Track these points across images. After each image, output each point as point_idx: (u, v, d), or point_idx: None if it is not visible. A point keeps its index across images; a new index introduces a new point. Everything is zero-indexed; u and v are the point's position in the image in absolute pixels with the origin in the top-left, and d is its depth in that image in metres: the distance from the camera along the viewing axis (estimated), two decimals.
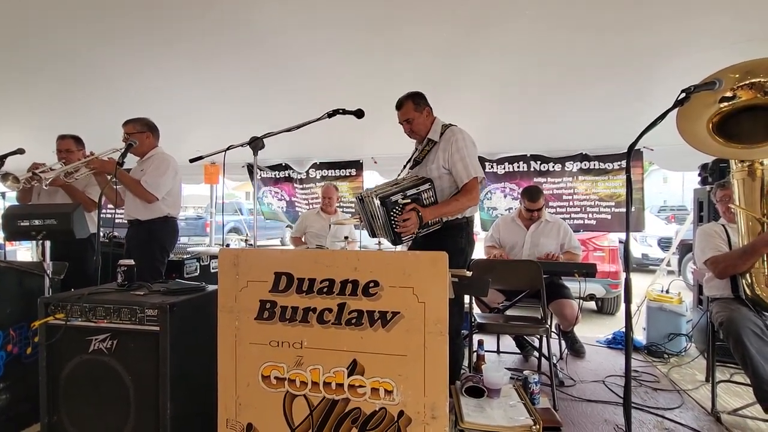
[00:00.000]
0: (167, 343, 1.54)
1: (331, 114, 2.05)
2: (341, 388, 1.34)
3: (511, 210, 4.21)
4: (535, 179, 4.28)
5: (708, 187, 3.17)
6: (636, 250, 7.84)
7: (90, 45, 3.03)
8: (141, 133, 2.73)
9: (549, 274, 2.86)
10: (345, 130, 3.50)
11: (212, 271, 3.66)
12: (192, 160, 2.28)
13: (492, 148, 4.30)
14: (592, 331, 3.95)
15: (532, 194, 3.23)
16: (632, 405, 1.62)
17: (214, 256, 3.64)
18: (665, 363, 3.13)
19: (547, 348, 2.51)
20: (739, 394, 2.52)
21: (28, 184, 2.61)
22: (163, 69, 3.34)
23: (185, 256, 3.46)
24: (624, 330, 1.70)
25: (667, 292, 3.51)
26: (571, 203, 4.28)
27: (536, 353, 3.04)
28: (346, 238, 3.61)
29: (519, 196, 3.54)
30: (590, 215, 4.24)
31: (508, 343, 3.40)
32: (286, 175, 5.02)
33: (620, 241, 4.79)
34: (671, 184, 17.80)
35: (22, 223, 2.06)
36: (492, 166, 4.40)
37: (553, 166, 4.27)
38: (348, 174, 4.80)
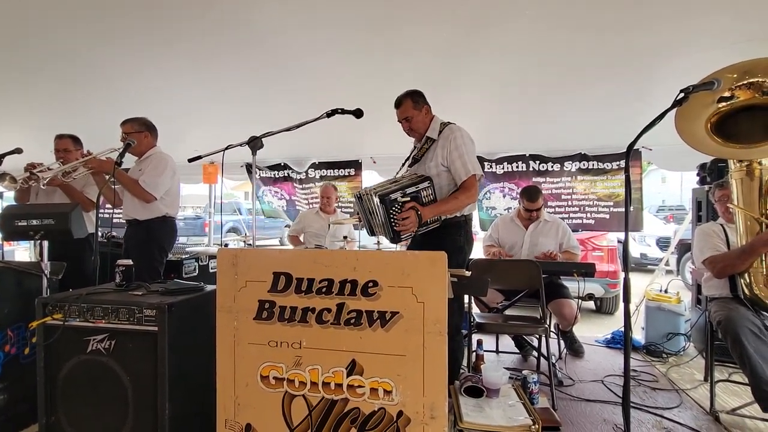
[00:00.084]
0: (165, 344, 1.54)
1: (330, 114, 2.05)
2: (340, 388, 1.33)
3: (510, 210, 4.21)
4: (534, 179, 4.29)
5: (706, 187, 3.17)
6: (635, 250, 7.85)
7: (89, 45, 3.02)
8: (139, 133, 2.73)
9: (548, 274, 2.86)
10: (344, 130, 3.51)
11: (211, 271, 3.65)
12: (191, 160, 2.27)
13: (491, 147, 4.30)
14: (590, 331, 3.95)
15: (530, 194, 3.24)
16: (631, 404, 1.62)
17: (212, 256, 3.63)
18: (664, 362, 3.13)
19: (546, 348, 2.52)
20: (738, 394, 2.53)
21: (26, 184, 2.60)
22: (162, 69, 3.33)
23: (184, 256, 3.46)
24: (623, 329, 1.70)
25: (666, 291, 3.51)
26: (569, 203, 4.29)
27: (535, 353, 3.05)
28: (345, 237, 3.61)
29: (518, 195, 3.54)
30: (589, 215, 4.25)
31: (507, 342, 3.40)
32: (286, 174, 5.02)
33: (619, 241, 4.80)
34: (670, 183, 17.84)
35: (19, 223, 2.05)
36: (491, 166, 4.41)
37: (552, 166, 4.27)
38: (347, 174, 4.80)
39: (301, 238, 4.07)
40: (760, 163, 2.06)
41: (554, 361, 2.78)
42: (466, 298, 2.45)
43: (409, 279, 1.29)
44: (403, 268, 1.30)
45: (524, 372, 2.14)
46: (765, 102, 1.91)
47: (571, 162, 4.21)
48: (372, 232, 2.28)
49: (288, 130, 2.09)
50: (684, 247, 5.83)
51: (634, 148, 1.54)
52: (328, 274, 1.35)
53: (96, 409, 1.61)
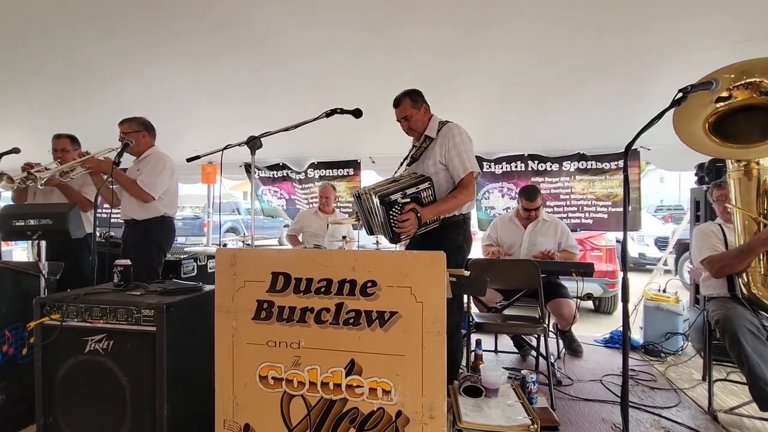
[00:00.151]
0: (164, 344, 1.54)
1: (329, 113, 2.05)
2: (339, 388, 1.33)
3: (508, 210, 4.21)
4: (532, 179, 4.30)
5: (705, 187, 3.18)
6: (633, 250, 7.87)
7: (88, 44, 3.02)
8: (137, 133, 2.72)
9: (547, 274, 2.87)
10: (343, 130, 3.50)
11: (209, 271, 3.65)
12: (189, 160, 2.27)
13: (490, 147, 4.30)
14: (589, 331, 3.96)
15: (529, 193, 3.24)
16: (629, 404, 1.63)
17: (211, 256, 3.63)
18: (662, 362, 3.14)
19: (545, 347, 2.52)
20: (736, 393, 2.53)
21: (23, 184, 2.59)
22: (160, 68, 3.33)
23: (182, 256, 3.45)
24: (621, 329, 1.71)
25: (664, 291, 3.52)
26: (568, 203, 4.29)
27: (534, 352, 3.05)
28: (344, 237, 3.61)
29: (516, 195, 3.55)
30: (587, 214, 4.26)
31: (506, 342, 3.41)
32: (284, 174, 5.02)
33: (617, 241, 4.81)
34: (668, 183, 17.87)
35: (17, 223, 2.04)
36: (490, 166, 4.41)
37: (551, 166, 4.28)
38: (346, 174, 4.80)
39: (300, 238, 4.07)
40: (758, 163, 2.06)
41: (553, 361, 2.78)
42: (465, 297, 2.45)
43: (407, 279, 1.29)
44: (402, 267, 1.30)
45: (523, 372, 2.14)
46: (763, 102, 1.92)
47: (569, 162, 4.22)
48: (371, 232, 2.28)
49: (287, 129, 2.09)
50: (682, 247, 5.85)
51: (633, 147, 1.54)
52: (327, 274, 1.35)
53: (94, 410, 1.61)
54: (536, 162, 4.31)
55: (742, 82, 1.91)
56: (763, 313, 2.10)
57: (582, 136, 3.98)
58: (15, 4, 2.63)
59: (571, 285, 3.09)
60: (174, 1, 2.59)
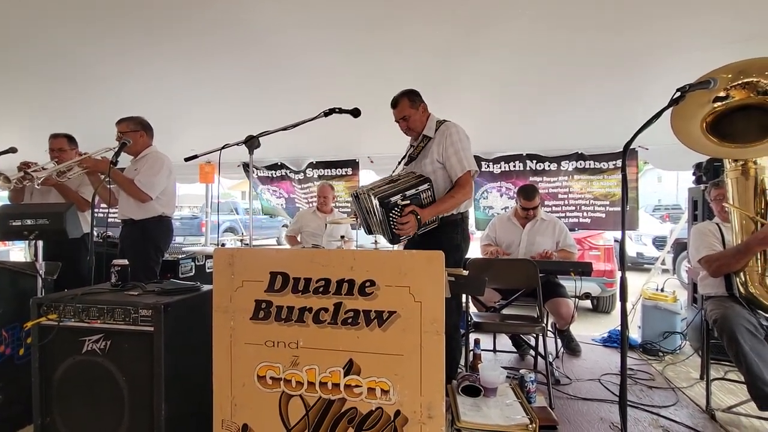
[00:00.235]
0: (161, 344, 1.53)
1: (328, 113, 2.05)
2: (337, 388, 1.33)
3: (507, 209, 4.22)
4: (531, 178, 4.30)
5: (702, 186, 3.19)
6: (631, 249, 7.88)
7: (85, 44, 3.01)
8: (135, 132, 2.71)
9: (545, 273, 2.87)
10: (341, 129, 3.50)
11: (208, 270, 3.64)
12: (187, 159, 2.27)
13: (488, 147, 4.31)
14: (587, 330, 3.97)
15: (527, 193, 3.24)
16: (628, 403, 1.63)
17: (209, 256, 3.62)
18: (660, 361, 3.15)
19: (543, 347, 2.52)
20: (734, 392, 2.54)
21: (20, 184, 2.58)
22: (158, 68, 3.32)
23: (180, 256, 3.44)
24: (619, 328, 1.71)
25: (662, 290, 3.53)
26: (566, 202, 4.30)
27: (532, 352, 3.06)
28: (342, 237, 3.61)
29: (515, 195, 3.55)
30: (585, 214, 4.27)
31: (504, 341, 3.41)
32: (283, 174, 5.01)
33: (615, 240, 4.82)
34: (666, 183, 17.94)
35: (14, 223, 2.03)
36: (488, 166, 4.42)
37: (549, 166, 4.29)
38: (344, 173, 4.80)
39: (299, 239, 4.07)
40: (755, 163, 2.07)
41: (551, 360, 2.79)
42: (463, 297, 2.45)
43: (406, 278, 1.29)
44: (401, 267, 1.30)
45: (521, 371, 2.14)
46: (760, 102, 1.92)
47: (567, 161, 4.22)
48: (369, 231, 2.28)
49: (285, 129, 2.09)
50: (680, 246, 5.85)
51: (631, 147, 1.55)
52: (326, 273, 1.35)
53: (91, 410, 1.60)
54: (534, 161, 4.32)
55: (740, 81, 1.92)
56: (761, 312, 2.11)
57: (580, 135, 3.99)
58: (12, 3, 2.62)
59: (569, 284, 3.09)
60: (171, 1, 2.58)
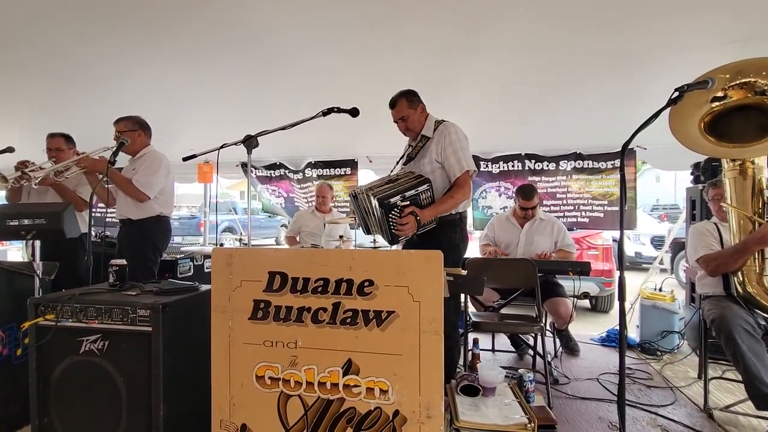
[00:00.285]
0: (160, 344, 1.53)
1: (326, 112, 2.05)
2: (336, 388, 1.33)
3: (505, 209, 4.22)
4: (529, 178, 4.31)
5: (700, 186, 3.19)
6: (629, 249, 7.90)
7: (82, 43, 3.00)
8: (133, 132, 2.70)
9: (543, 273, 2.88)
10: (340, 129, 3.50)
11: (206, 270, 3.63)
12: (185, 159, 2.26)
13: (487, 147, 4.31)
14: (586, 329, 3.97)
15: (526, 193, 3.25)
16: (626, 402, 1.63)
17: (207, 256, 3.61)
18: (658, 360, 3.16)
19: (542, 346, 2.52)
20: (731, 391, 2.55)
21: (17, 184, 2.57)
22: (156, 67, 3.31)
23: (179, 256, 3.44)
24: (618, 328, 1.71)
25: (660, 290, 3.54)
26: (564, 202, 4.31)
27: (531, 351, 3.06)
28: (341, 237, 3.60)
29: (513, 194, 3.55)
30: (583, 213, 4.28)
31: (503, 341, 3.41)
32: (282, 173, 5.01)
33: (614, 240, 4.83)
34: (664, 183, 17.98)
35: (11, 223, 2.02)
36: (487, 165, 4.42)
37: (548, 165, 4.30)
38: (343, 173, 4.79)
39: (298, 239, 4.06)
40: (752, 162, 2.07)
41: (550, 360, 2.80)
42: (462, 296, 2.45)
43: (405, 278, 1.29)
44: (399, 267, 1.29)
45: (520, 370, 2.14)
46: (758, 102, 1.93)
47: (566, 161, 4.23)
48: (368, 231, 2.27)
49: (283, 128, 2.08)
50: (678, 246, 5.88)
51: (629, 147, 1.55)
52: (324, 273, 1.35)
53: (89, 411, 1.60)
54: (533, 161, 4.32)
55: (737, 82, 1.93)
56: (759, 311, 2.12)
57: (579, 135, 3.99)
58: (12, 3, 2.61)
59: (567, 284, 3.10)
60: (171, 1, 2.58)
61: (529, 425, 1.59)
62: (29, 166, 2.52)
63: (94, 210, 2.37)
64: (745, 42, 2.37)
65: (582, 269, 2.77)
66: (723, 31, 2.52)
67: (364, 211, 2.19)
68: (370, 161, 4.57)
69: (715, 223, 2.43)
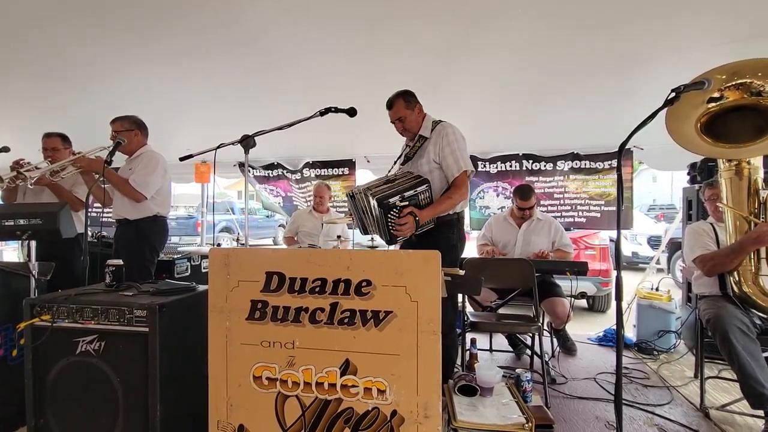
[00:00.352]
0: (156, 344, 1.52)
1: (324, 112, 2.04)
2: (334, 388, 1.33)
3: (503, 209, 4.23)
4: (527, 178, 4.32)
5: (697, 186, 3.20)
6: (626, 249, 7.93)
7: (79, 43, 2.98)
8: (129, 131, 2.69)
9: (541, 273, 2.88)
10: (338, 129, 3.49)
11: (203, 271, 3.63)
12: (182, 159, 2.25)
13: (485, 147, 4.32)
14: (583, 329, 3.98)
15: (523, 193, 3.25)
16: (623, 401, 1.64)
17: (205, 256, 3.60)
18: (655, 360, 3.17)
19: (539, 346, 2.53)
20: (727, 390, 2.56)
21: (12, 183, 2.55)
22: (153, 67, 3.29)
23: (176, 256, 3.43)
24: (615, 327, 1.72)
25: (657, 289, 3.55)
26: (562, 202, 4.33)
27: (528, 351, 3.06)
28: (338, 237, 3.60)
29: (511, 195, 3.56)
30: (580, 213, 4.30)
31: (500, 341, 3.42)
32: (280, 173, 5.01)
33: (611, 240, 4.85)
34: (660, 183, 18.05)
35: (6, 223, 2.01)
36: (485, 166, 4.43)
37: (545, 165, 4.31)
38: (341, 173, 4.79)
39: (296, 239, 4.05)
40: (748, 163, 2.08)
41: (547, 359, 2.80)
42: (459, 296, 2.45)
43: (402, 278, 1.29)
44: (397, 267, 1.30)
45: (518, 370, 2.15)
46: (753, 102, 1.94)
47: (563, 161, 4.24)
48: (365, 231, 2.27)
49: (281, 128, 2.08)
50: (674, 246, 5.91)
51: (626, 147, 1.55)
52: (322, 273, 1.35)
53: (86, 411, 1.59)
54: (531, 161, 4.34)
55: (733, 82, 1.93)
56: (754, 311, 2.13)
57: (576, 135, 4.01)
58: (6, 1, 2.59)
59: (565, 284, 3.11)
60: (169, 0, 2.56)
61: (526, 425, 1.60)
62: (25, 166, 2.50)
63: (90, 210, 2.35)
64: (745, 42, 2.38)
65: (579, 269, 2.78)
66: (723, 31, 2.52)
67: (362, 210, 2.19)
68: (368, 161, 4.57)
69: (712, 223, 2.44)
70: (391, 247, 2.40)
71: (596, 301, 4.95)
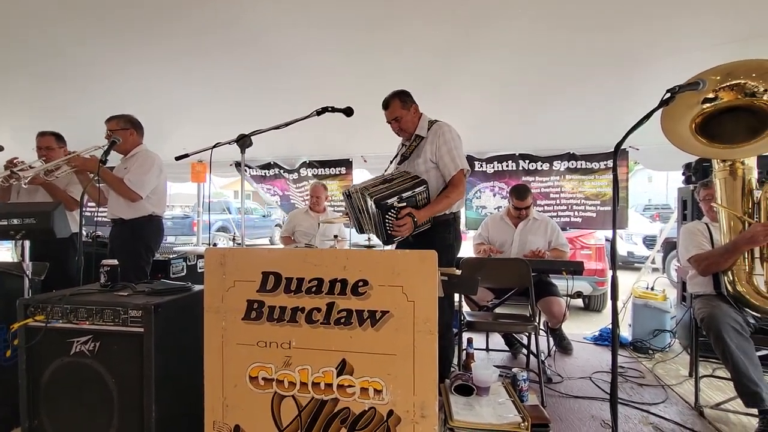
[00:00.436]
0: (152, 345, 1.51)
1: (320, 112, 2.04)
2: (330, 388, 1.32)
3: (500, 209, 4.24)
4: (523, 178, 4.33)
5: (692, 186, 3.23)
6: (621, 248, 7.97)
7: (76, 42, 2.96)
8: (124, 130, 2.67)
9: (537, 272, 2.89)
10: (335, 128, 3.49)
11: (199, 270, 3.61)
12: (178, 158, 2.23)
13: (481, 147, 4.33)
14: (579, 328, 4.00)
15: (520, 192, 3.26)
16: (618, 400, 1.65)
17: (201, 256, 3.59)
18: (650, 359, 3.19)
19: (536, 345, 2.54)
20: (722, 389, 2.58)
21: (6, 183, 2.53)
22: (150, 66, 3.28)
23: (171, 256, 3.41)
24: (610, 327, 1.73)
25: (652, 289, 3.57)
26: (558, 201, 4.34)
27: (525, 350, 3.08)
28: (335, 236, 3.59)
29: (507, 194, 3.57)
30: (576, 213, 4.32)
31: (497, 340, 3.43)
32: (276, 173, 4.99)
33: (607, 239, 4.87)
34: (656, 183, 18.17)
35: (0, 222, 1.99)
36: (481, 165, 4.44)
37: (541, 165, 4.32)
38: (338, 172, 4.79)
39: (292, 238, 4.05)
40: (743, 163, 2.10)
41: (543, 359, 2.81)
42: (456, 296, 2.45)
43: (399, 278, 1.29)
44: (393, 267, 1.29)
45: (514, 369, 2.15)
46: (747, 103, 1.95)
47: (559, 161, 4.26)
48: (361, 230, 2.27)
49: (277, 128, 2.07)
50: (670, 246, 5.94)
51: (622, 147, 1.56)
52: (318, 273, 1.34)
53: (80, 412, 1.58)
54: (527, 161, 4.35)
55: (728, 83, 1.95)
56: (748, 310, 2.14)
57: (572, 135, 4.02)
58: (5, 1, 2.57)
59: (561, 283, 3.12)
60: (168, 0, 2.55)
61: (522, 424, 1.60)
62: (18, 165, 2.48)
63: (85, 209, 2.33)
64: (745, 42, 2.39)
65: (575, 269, 2.79)
66: (723, 31, 2.53)
67: (358, 210, 2.18)
68: (365, 161, 4.57)
69: (706, 223, 2.46)
70: (388, 247, 2.40)
71: (592, 301, 4.97)
